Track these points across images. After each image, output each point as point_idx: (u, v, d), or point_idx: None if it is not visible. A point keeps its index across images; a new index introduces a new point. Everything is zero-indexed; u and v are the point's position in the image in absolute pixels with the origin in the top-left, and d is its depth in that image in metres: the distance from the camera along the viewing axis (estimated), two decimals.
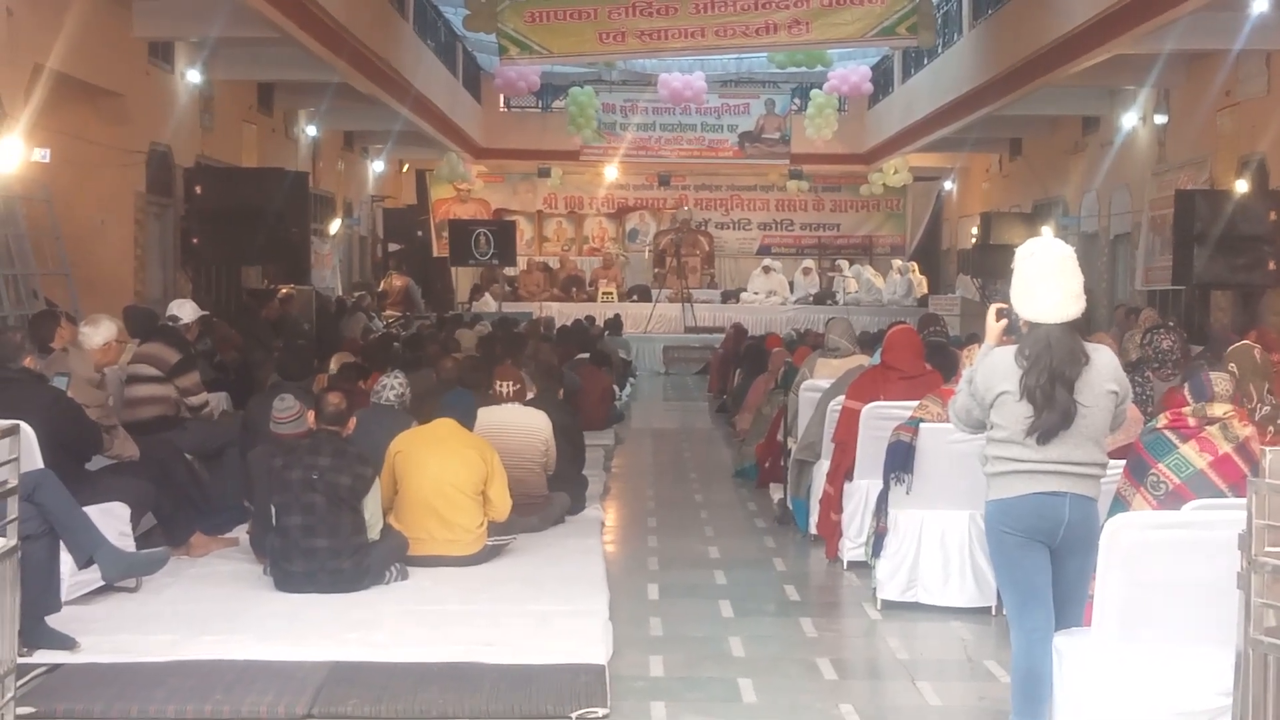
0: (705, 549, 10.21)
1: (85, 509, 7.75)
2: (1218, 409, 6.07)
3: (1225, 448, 5.99)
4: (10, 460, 5.52)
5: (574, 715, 6.25)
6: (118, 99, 15.13)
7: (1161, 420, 6.19)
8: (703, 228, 33.71)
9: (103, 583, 7.81)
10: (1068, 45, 16.95)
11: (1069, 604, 5.73)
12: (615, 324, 25.44)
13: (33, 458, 7.23)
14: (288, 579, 8.33)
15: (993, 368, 5.71)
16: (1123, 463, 6.31)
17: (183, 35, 16.53)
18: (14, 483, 5.49)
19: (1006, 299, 5.82)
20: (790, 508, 10.85)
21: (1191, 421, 6.07)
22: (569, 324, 22.77)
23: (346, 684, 6.59)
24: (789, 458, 11.00)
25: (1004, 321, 5.85)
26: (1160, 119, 19.24)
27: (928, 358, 9.80)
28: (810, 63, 27.00)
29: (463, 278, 30.43)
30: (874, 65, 30.13)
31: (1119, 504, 6.08)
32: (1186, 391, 6.26)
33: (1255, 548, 4.54)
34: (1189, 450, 6.01)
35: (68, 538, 7.12)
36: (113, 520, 8.12)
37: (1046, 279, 5.64)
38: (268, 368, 12.87)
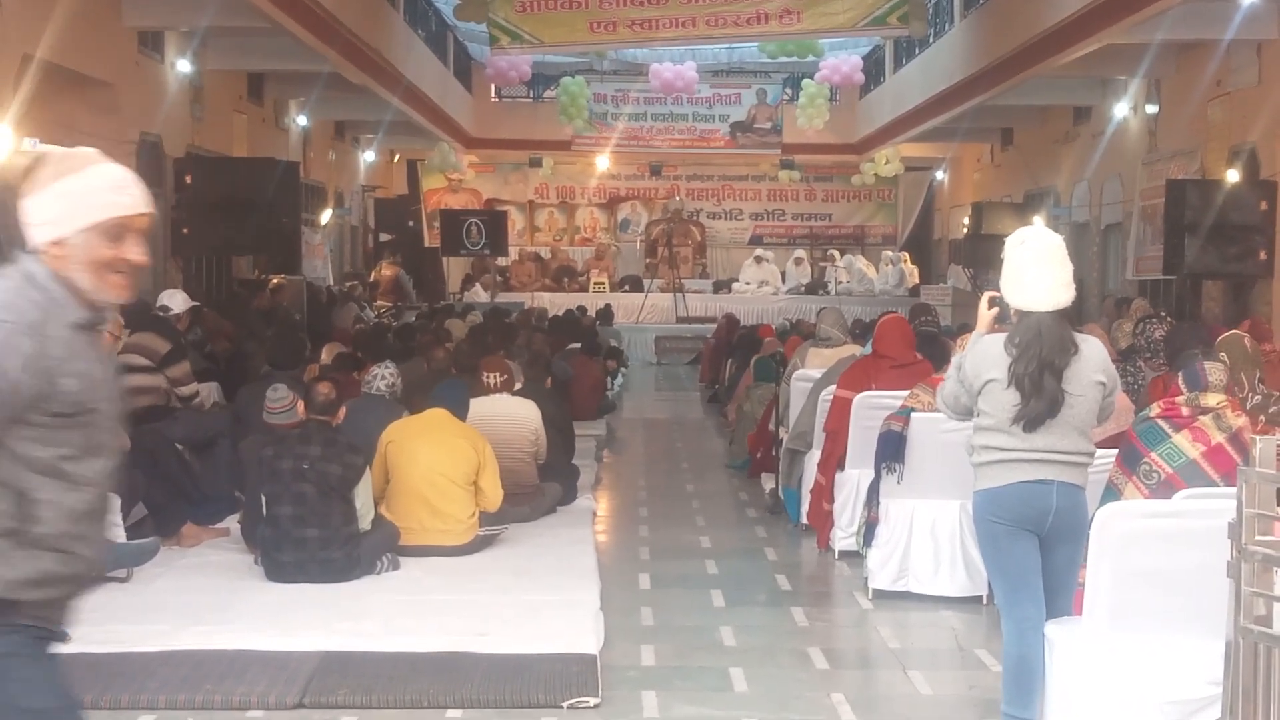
0: (697, 539, 10.22)
1: None
2: (1211, 399, 6.07)
3: (1218, 438, 5.99)
4: None
5: (565, 705, 6.26)
6: (107, 89, 15.09)
7: (1155, 409, 6.19)
8: (694, 218, 33.70)
9: None
10: (1058, 35, 16.95)
11: (1059, 593, 5.74)
12: (606, 314, 25.42)
13: None
14: (278, 569, 8.33)
15: (982, 355, 5.71)
16: (1113, 452, 6.31)
17: (173, 25, 16.49)
18: None
19: (998, 288, 5.82)
20: (781, 497, 10.86)
21: (1185, 411, 6.07)
22: (561, 314, 22.78)
23: (337, 674, 6.59)
24: (780, 448, 11.00)
25: (996, 310, 5.86)
26: (1151, 109, 19.25)
27: (919, 347, 9.81)
28: (801, 52, 26.96)
29: (454, 268, 30.40)
30: (865, 55, 30.11)
31: (1111, 492, 6.08)
32: (1180, 381, 6.25)
33: (1245, 536, 4.54)
34: (1182, 440, 6.01)
35: None
36: None
37: (1037, 267, 5.65)
38: (259, 358, 12.86)
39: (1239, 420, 6.05)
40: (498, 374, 10.60)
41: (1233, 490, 4.74)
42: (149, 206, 3.40)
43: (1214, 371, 6.19)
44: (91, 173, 3.35)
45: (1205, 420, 6.02)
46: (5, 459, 3.26)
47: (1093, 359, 5.68)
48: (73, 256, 3.30)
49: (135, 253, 3.35)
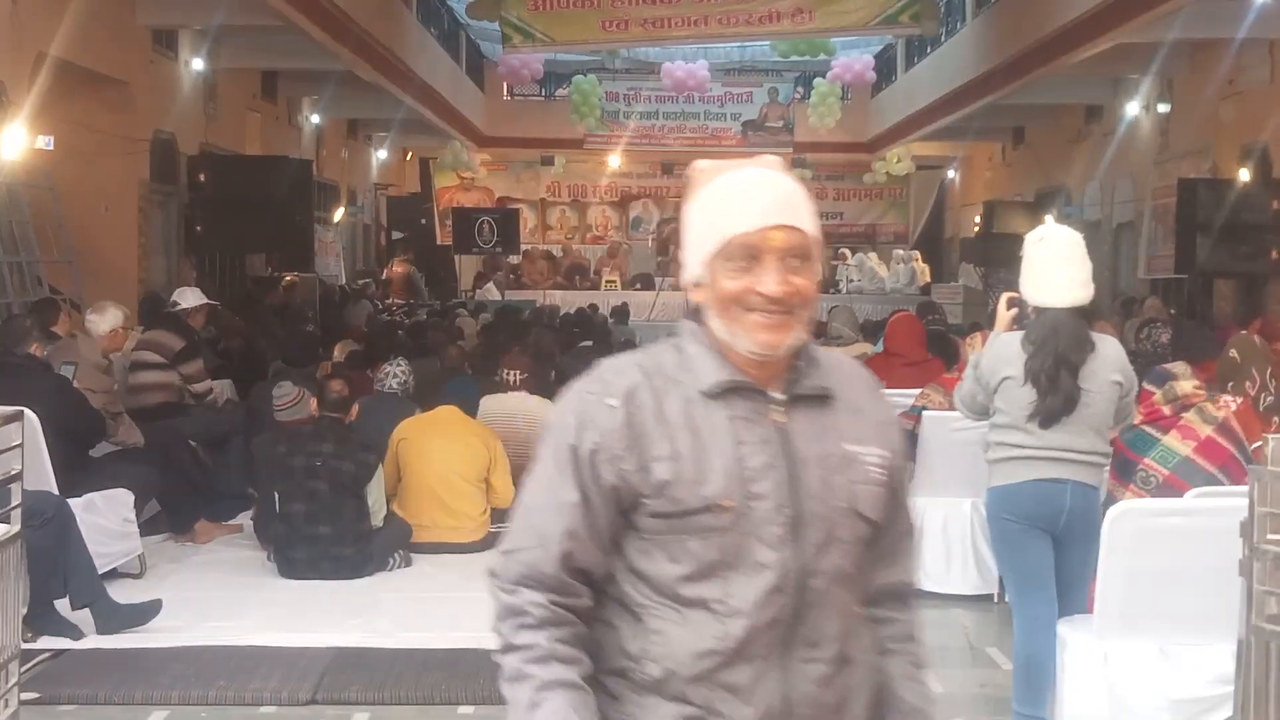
0: None
1: (90, 495, 7.78)
2: (1184, 385, 6.07)
3: (1206, 430, 5.99)
4: (14, 446, 5.53)
5: None
6: (122, 87, 15.12)
7: (1137, 417, 6.18)
8: None
9: (108, 569, 7.83)
10: (1070, 34, 16.93)
11: (1071, 591, 5.73)
12: (622, 313, 25.34)
13: (37, 444, 7.25)
14: (291, 566, 8.36)
15: (998, 352, 5.72)
16: None
17: (187, 23, 16.53)
18: (18, 468, 5.50)
19: (1013, 288, 5.83)
20: None
21: (1166, 410, 6.07)
22: (572, 312, 22.78)
23: (350, 670, 6.61)
24: None
25: (1014, 310, 5.86)
26: (1163, 108, 19.22)
27: (927, 346, 9.82)
28: (813, 51, 26.95)
29: (466, 266, 30.44)
30: (877, 54, 30.09)
31: (1110, 502, 6.08)
32: (1149, 385, 6.25)
33: (1257, 535, 4.55)
34: (1172, 440, 6.01)
35: (71, 579, 7.09)
36: (117, 507, 8.15)
37: (1055, 264, 5.65)
38: (272, 355, 12.89)
39: (1221, 411, 6.05)
40: (518, 372, 10.60)
41: (1244, 488, 4.75)
42: (790, 218, 2.45)
43: (1175, 365, 6.22)
44: (718, 184, 2.52)
45: (1190, 416, 6.03)
46: (621, 571, 2.49)
47: (1110, 358, 5.68)
48: (708, 299, 2.50)
49: (770, 282, 2.42)
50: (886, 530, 2.60)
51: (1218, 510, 5.25)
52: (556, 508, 2.46)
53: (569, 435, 2.47)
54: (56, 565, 7.01)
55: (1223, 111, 17.02)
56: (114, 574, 8.00)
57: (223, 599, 7.91)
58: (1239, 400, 6.27)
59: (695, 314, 2.55)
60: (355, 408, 8.91)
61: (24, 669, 6.09)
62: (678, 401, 2.45)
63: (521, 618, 2.52)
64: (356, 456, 8.45)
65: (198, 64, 17.30)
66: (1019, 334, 5.70)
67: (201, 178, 16.79)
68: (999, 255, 22.27)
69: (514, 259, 28.58)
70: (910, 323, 10.06)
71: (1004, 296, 6.00)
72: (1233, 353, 7.34)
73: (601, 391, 2.48)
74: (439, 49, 26.15)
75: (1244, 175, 15.90)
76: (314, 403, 9.03)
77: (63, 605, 7.07)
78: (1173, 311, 15.97)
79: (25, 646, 6.14)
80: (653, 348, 2.57)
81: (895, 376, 9.35)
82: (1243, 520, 4.63)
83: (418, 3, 24.05)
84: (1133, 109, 20.23)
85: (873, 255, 30.28)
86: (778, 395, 2.49)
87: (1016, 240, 5.86)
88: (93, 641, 6.97)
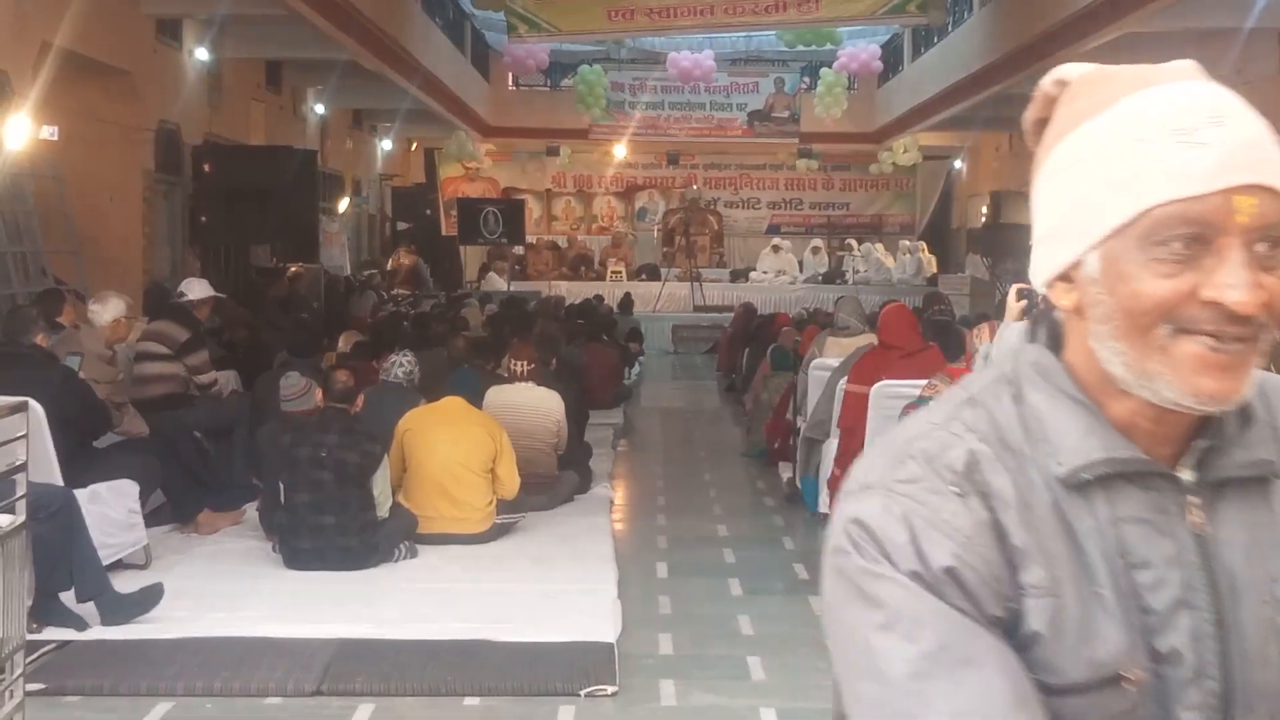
0: (714, 527, 10.21)
1: (95, 486, 7.76)
2: None
3: None
4: (19, 437, 5.51)
5: (583, 693, 6.25)
6: (126, 77, 15.11)
7: None
8: (712, 206, 33.67)
9: (113, 559, 7.81)
10: (1078, 23, 16.90)
11: None
12: (626, 303, 25.34)
13: (41, 435, 7.23)
14: (296, 556, 8.34)
15: (1009, 343, 5.68)
16: None
17: (191, 13, 16.51)
18: (23, 459, 5.48)
19: (1022, 278, 5.79)
20: (799, 486, 10.84)
21: None
22: (578, 302, 22.77)
23: (355, 661, 6.59)
24: (798, 436, 10.99)
25: (1024, 302, 5.83)
26: None
27: (933, 336, 9.77)
28: (820, 41, 26.93)
29: (471, 256, 30.42)
30: (884, 44, 30.05)
31: None
32: None
33: None
34: None
35: (77, 572, 7.06)
36: (122, 497, 8.13)
37: None
38: (276, 346, 12.88)
39: None
40: (525, 362, 10.57)
41: None
42: (1268, 173, 1.40)
43: None
44: (1127, 106, 1.45)
45: None
46: None
47: None
48: (1092, 305, 1.49)
49: (1234, 285, 1.38)
50: None
51: None
52: (983, 693, 1.37)
53: (908, 558, 1.41)
54: (62, 558, 6.98)
55: None
56: (119, 565, 7.98)
57: (228, 590, 7.89)
58: None
59: (1043, 330, 1.67)
60: (360, 398, 8.90)
61: (29, 660, 6.08)
62: (1040, 487, 1.47)
63: None
64: (362, 447, 8.43)
65: (202, 54, 17.28)
66: (1026, 324, 5.67)
67: (206, 168, 16.78)
68: (1006, 246, 22.24)
69: (519, 249, 28.56)
70: (903, 312, 10.02)
71: (1014, 288, 5.97)
72: None
73: (924, 475, 1.46)
74: (444, 39, 26.11)
75: None
76: (320, 393, 9.01)
77: (67, 596, 7.05)
78: None
79: (30, 638, 6.13)
80: (970, 384, 1.60)
81: (894, 369, 9.32)
82: None
83: None
84: None
85: (879, 246, 30.26)
86: (1189, 478, 1.49)
87: (1024, 230, 5.76)
88: (98, 632, 6.95)
